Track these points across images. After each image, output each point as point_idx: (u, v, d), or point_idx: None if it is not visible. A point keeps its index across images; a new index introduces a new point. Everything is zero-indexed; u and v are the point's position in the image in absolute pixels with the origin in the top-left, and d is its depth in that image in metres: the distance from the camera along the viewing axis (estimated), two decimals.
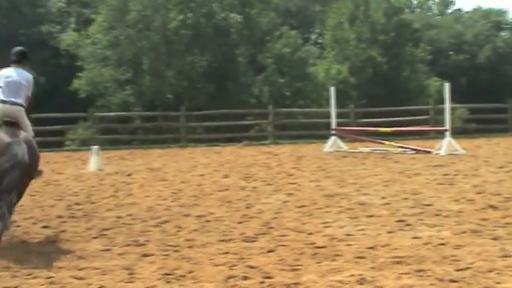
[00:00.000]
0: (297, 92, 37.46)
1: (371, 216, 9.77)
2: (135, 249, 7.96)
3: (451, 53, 47.80)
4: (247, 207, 10.99)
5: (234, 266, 7.02)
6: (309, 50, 40.96)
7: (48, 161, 12.83)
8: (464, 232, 8.37)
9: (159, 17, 35.42)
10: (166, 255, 7.64)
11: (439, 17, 56.72)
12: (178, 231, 9.09)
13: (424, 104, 34.57)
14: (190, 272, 6.80)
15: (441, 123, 23.50)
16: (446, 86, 21.01)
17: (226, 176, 15.68)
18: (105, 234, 8.97)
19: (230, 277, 6.55)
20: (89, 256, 7.69)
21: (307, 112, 34.80)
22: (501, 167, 15.86)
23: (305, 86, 37.83)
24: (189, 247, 8.02)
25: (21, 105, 8.95)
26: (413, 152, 20.87)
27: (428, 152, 20.31)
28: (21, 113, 8.94)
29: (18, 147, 8.24)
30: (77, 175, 16.92)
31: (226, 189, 13.30)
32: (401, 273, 6.50)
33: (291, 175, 15.59)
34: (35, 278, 6.78)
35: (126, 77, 35.87)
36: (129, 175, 16.48)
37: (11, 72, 9.13)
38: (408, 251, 7.42)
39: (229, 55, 36.40)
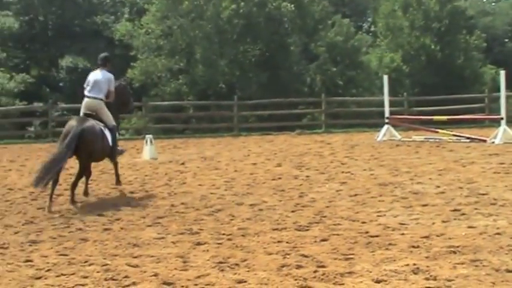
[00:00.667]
0: (350, 80, 37.25)
1: (425, 205, 9.68)
2: (189, 238, 8.02)
3: (506, 40, 47.03)
4: (300, 196, 10.98)
5: (288, 254, 7.02)
6: (361, 38, 40.65)
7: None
8: None
9: (212, 6, 35.51)
10: (219, 243, 7.68)
11: (494, 3, 55.81)
12: (232, 219, 9.13)
13: (478, 92, 34.13)
14: (244, 260, 6.83)
15: (496, 111, 23.18)
16: (502, 74, 20.66)
17: (279, 165, 15.68)
18: (159, 223, 9.06)
19: (283, 266, 6.56)
20: (143, 244, 7.77)
21: (359, 101, 34.59)
22: None
23: (357, 75, 37.61)
24: (242, 236, 8.05)
25: (101, 99, 11.86)
26: (467, 140, 20.60)
27: (483, 141, 20.03)
28: (100, 105, 11.85)
29: (78, 130, 10.94)
30: (131, 164, 17.09)
31: (279, 178, 13.31)
32: (456, 263, 6.43)
33: (343, 164, 15.53)
34: (90, 265, 6.88)
35: (179, 67, 36.08)
36: (182, 164, 16.58)
37: (98, 74, 12.03)
38: (463, 240, 7.34)
39: (281, 44, 36.33)
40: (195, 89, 35.48)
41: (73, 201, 11.03)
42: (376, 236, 7.72)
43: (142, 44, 36.55)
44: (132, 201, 11.04)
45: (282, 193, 11.38)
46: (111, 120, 11.93)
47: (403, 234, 7.82)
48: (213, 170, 15.17)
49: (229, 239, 7.88)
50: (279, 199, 10.76)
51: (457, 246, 7.04)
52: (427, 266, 6.34)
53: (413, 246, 7.16)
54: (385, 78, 23.72)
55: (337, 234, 7.89)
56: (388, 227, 8.22)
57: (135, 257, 7.16)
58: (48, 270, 6.74)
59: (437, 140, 21.06)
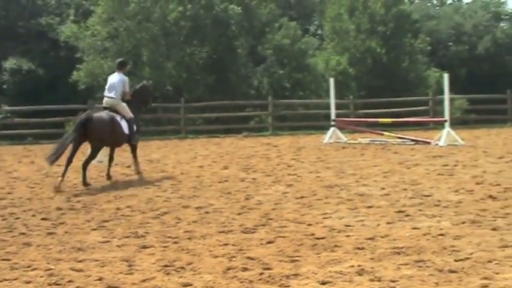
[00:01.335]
0: (297, 83, 37.42)
1: (370, 207, 9.76)
2: (135, 241, 7.96)
3: (450, 43, 47.74)
4: (247, 199, 10.99)
5: (233, 257, 7.01)
6: (308, 41, 40.86)
7: (48, 152, 12.96)
8: (463, 222, 8.36)
9: (158, 8, 35.37)
10: (165, 246, 7.63)
11: (438, 7, 56.64)
12: (178, 222, 9.09)
13: (423, 95, 34.57)
14: (190, 263, 6.80)
15: (440, 114, 23.48)
16: (446, 77, 20.96)
17: (225, 167, 15.68)
18: (104, 226, 8.97)
19: (229, 268, 6.54)
20: (88, 248, 7.69)
21: (306, 103, 34.79)
22: (500, 158, 15.86)
23: (304, 77, 37.80)
24: (189, 238, 8.02)
25: (116, 98, 14.22)
26: (412, 142, 20.85)
27: (428, 143, 20.30)
28: (116, 102, 14.24)
29: (84, 117, 13.47)
30: (77, 167, 16.87)
31: (226, 181, 13.30)
32: (401, 264, 6.49)
33: (290, 166, 15.59)
34: (34, 270, 6.78)
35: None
36: (128, 167, 16.46)
37: (115, 77, 14.51)
38: (407, 241, 7.42)
39: (228, 46, 36.36)
40: None
41: (85, 181, 13.27)
42: (322, 238, 7.75)
43: (88, 46, 36.20)
44: (77, 205, 10.91)
45: (229, 195, 11.37)
46: (127, 113, 14.26)
47: (348, 236, 7.87)
48: (159, 173, 15.10)
49: (175, 242, 7.84)
50: (225, 202, 10.75)
51: (401, 247, 7.11)
52: (372, 267, 6.39)
53: (359, 248, 7.21)
54: (331, 81, 23.88)
55: (283, 237, 7.90)
56: (334, 229, 8.27)
57: (80, 261, 7.07)
58: None
59: (382, 142, 21.28)
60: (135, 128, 14.55)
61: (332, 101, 23.57)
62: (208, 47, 35.50)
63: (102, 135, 13.59)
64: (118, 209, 10.38)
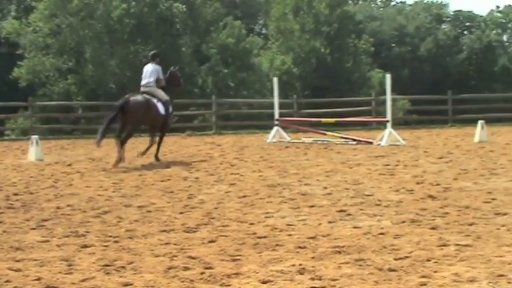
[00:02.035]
0: (241, 82, 37.49)
1: (312, 206, 9.80)
2: (75, 240, 7.85)
3: (393, 44, 48.36)
4: (189, 198, 10.94)
5: (175, 256, 6.97)
6: (253, 40, 40.96)
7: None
8: (403, 222, 8.45)
9: (102, 5, 35.05)
10: (106, 246, 7.55)
11: (382, 9, 57.28)
12: (119, 221, 9.00)
13: (366, 95, 34.90)
14: (130, 263, 6.73)
15: (383, 114, 23.73)
16: (388, 78, 21.16)
17: (168, 166, 15.59)
18: (43, 225, 8.83)
19: (170, 268, 6.50)
20: (27, 247, 7.56)
21: (250, 102, 34.85)
22: (440, 158, 16.10)
23: (249, 77, 37.88)
24: (130, 238, 7.94)
25: (151, 85, 16.57)
26: (355, 142, 21.01)
27: (370, 143, 20.48)
28: (152, 88, 16.54)
29: (122, 101, 15.86)
30: (16, 165, 16.65)
31: (168, 180, 13.23)
32: (341, 263, 6.53)
33: (233, 165, 15.58)
34: None
35: (68, 66, 35.43)
36: (69, 165, 16.27)
37: (149, 66, 16.99)
38: (348, 240, 7.47)
39: (173, 45, 36.24)
40: (84, 89, 34.95)
41: (120, 158, 15.55)
42: (264, 237, 7.76)
43: (29, 43, 35.72)
44: (16, 204, 10.73)
45: (171, 195, 11.31)
46: (163, 96, 16.54)
47: (290, 235, 7.89)
48: (101, 172, 14.95)
49: (116, 242, 7.76)
50: (167, 201, 10.69)
51: (342, 246, 7.15)
52: (313, 266, 6.41)
53: (300, 247, 7.23)
54: (275, 80, 23.94)
55: (225, 236, 7.89)
56: (276, 228, 8.28)
57: (18, 261, 6.94)
58: None
59: (325, 142, 21.40)
60: (171, 109, 16.78)
61: (276, 100, 23.62)
62: (153, 45, 35.24)
63: (138, 116, 15.77)
64: (58, 208, 10.23)
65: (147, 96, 16.21)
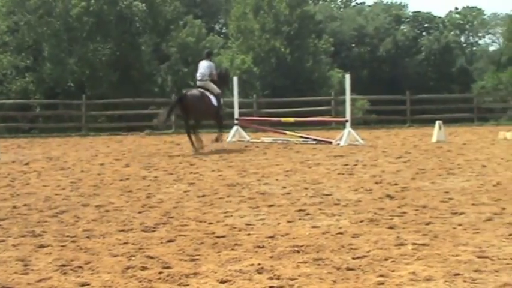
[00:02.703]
0: None
1: (271, 205, 9.81)
2: (31, 240, 7.76)
3: (353, 45, 48.68)
4: (148, 197, 10.89)
5: (133, 256, 6.92)
6: (213, 39, 40.94)
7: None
8: (362, 221, 8.50)
9: (61, 3, 34.74)
10: (63, 246, 7.47)
11: (342, 9, 57.60)
12: (77, 221, 8.91)
13: (326, 95, 35.05)
14: (88, 262, 6.67)
15: (342, 114, 23.83)
16: (347, 78, 21.27)
17: (127, 166, 15.51)
18: None
19: (128, 268, 6.46)
20: None
21: None
22: (399, 157, 16.22)
23: None
24: (87, 237, 7.87)
25: (206, 80, 19.16)
26: (314, 142, 21.08)
27: (329, 143, 20.56)
28: (206, 83, 19.16)
29: (189, 94, 18.91)
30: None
31: (127, 179, 13.15)
32: (300, 262, 6.54)
33: (192, 165, 15.54)
34: None
35: (25, 64, 35.04)
36: (26, 164, 16.09)
37: (204, 63, 19.47)
38: (307, 240, 7.48)
39: (132, 43, 36.06)
40: (42, 87, 34.60)
41: (193, 145, 18.51)
42: (223, 237, 7.74)
43: None
44: None
45: (130, 194, 11.24)
46: (215, 89, 19.25)
47: (249, 234, 7.88)
48: (58, 171, 14.81)
49: (73, 241, 7.68)
50: (126, 200, 10.62)
51: (301, 246, 7.16)
52: (271, 266, 6.41)
53: (259, 247, 7.23)
54: (235, 79, 23.92)
55: (184, 235, 7.86)
56: (235, 228, 8.27)
57: None
58: None
59: (285, 142, 21.45)
60: (221, 101, 19.66)
61: (235, 99, 23.61)
62: (112, 44, 35.13)
63: (196, 107, 18.38)
64: (14, 207, 10.10)
65: (202, 90, 18.83)
